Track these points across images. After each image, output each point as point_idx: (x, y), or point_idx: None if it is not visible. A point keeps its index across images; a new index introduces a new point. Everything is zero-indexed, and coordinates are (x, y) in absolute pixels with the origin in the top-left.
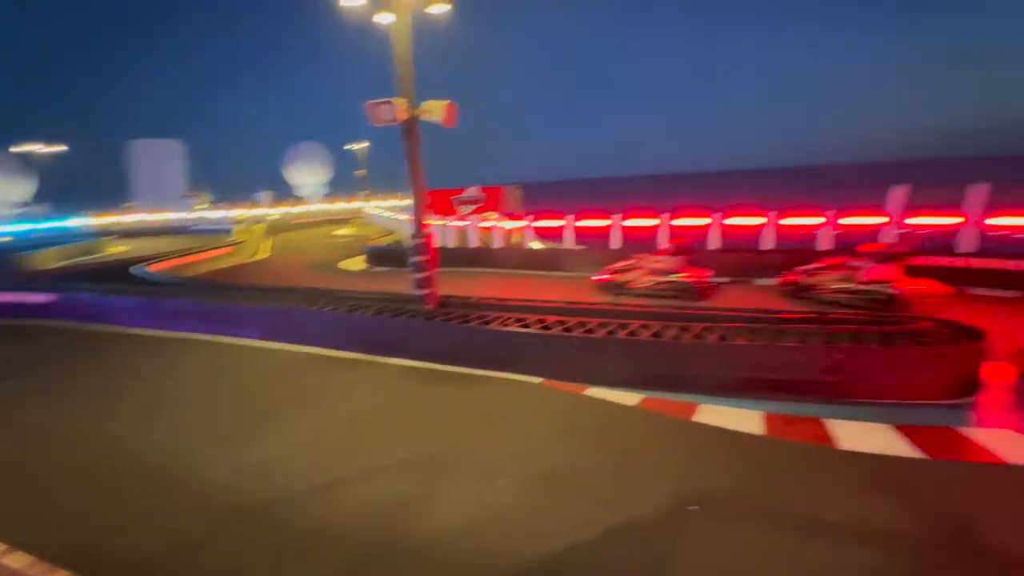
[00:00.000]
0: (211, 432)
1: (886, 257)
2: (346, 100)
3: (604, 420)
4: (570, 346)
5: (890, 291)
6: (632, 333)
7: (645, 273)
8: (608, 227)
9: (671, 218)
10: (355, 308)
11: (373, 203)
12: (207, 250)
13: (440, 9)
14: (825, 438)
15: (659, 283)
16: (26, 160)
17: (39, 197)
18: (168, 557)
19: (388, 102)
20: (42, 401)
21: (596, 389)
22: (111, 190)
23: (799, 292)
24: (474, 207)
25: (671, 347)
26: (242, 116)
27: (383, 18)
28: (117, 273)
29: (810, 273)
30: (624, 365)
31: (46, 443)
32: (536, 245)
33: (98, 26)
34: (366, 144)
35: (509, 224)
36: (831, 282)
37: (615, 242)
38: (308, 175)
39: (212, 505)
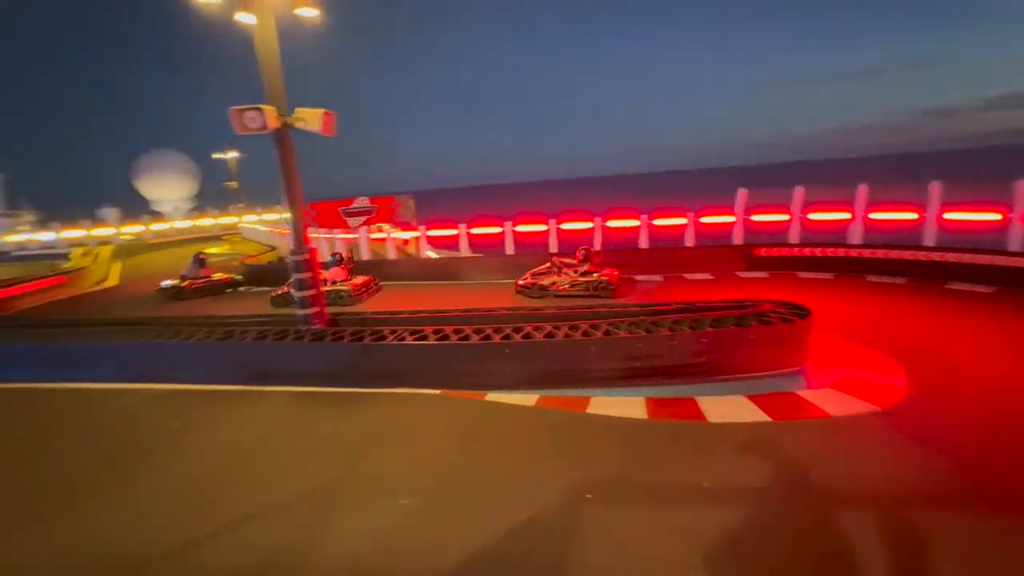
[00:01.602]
0: (40, 498)
1: (587, 258)
2: (212, 105)
3: (503, 423)
4: (467, 354)
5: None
6: (527, 336)
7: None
8: (501, 234)
9: (558, 223)
10: (230, 335)
11: (249, 217)
12: (35, 279)
13: (308, 13)
14: (697, 414)
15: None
16: None
17: None
18: None
19: (256, 108)
20: None
21: (495, 394)
22: None
23: (539, 292)
24: (364, 218)
25: (563, 345)
26: (80, 125)
27: (244, 18)
28: None
29: (536, 275)
30: (521, 367)
31: None
32: (431, 255)
33: None
34: (235, 154)
35: (402, 235)
36: (563, 281)
37: (509, 248)
38: (167, 188)
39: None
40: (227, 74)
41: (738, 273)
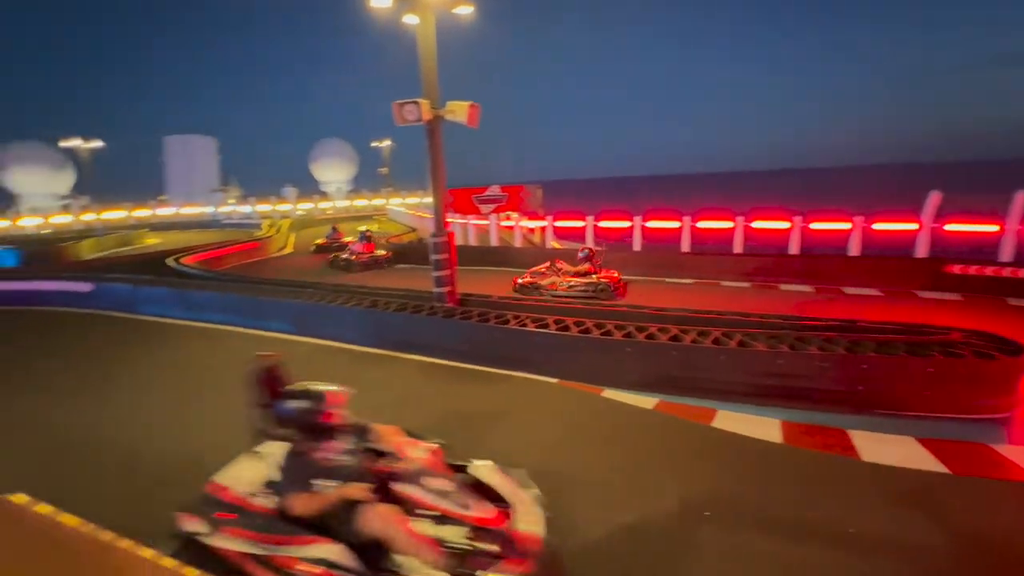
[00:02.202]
0: (231, 421)
1: (587, 259)
2: (371, 98)
3: (619, 421)
4: (588, 347)
5: (605, 282)
6: (651, 336)
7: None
8: (630, 228)
9: (694, 220)
10: (376, 304)
11: (395, 200)
12: (236, 244)
13: (464, 10)
14: (847, 449)
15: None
16: (70, 155)
17: (77, 189)
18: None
19: (414, 102)
20: (67, 389)
21: (612, 391)
22: (147, 184)
23: (535, 292)
24: (495, 206)
25: (690, 351)
26: (271, 113)
27: (409, 19)
28: (152, 265)
29: (535, 275)
30: (641, 367)
31: (70, 436)
32: (555, 245)
33: (136, 28)
34: (389, 142)
35: (529, 223)
36: (561, 282)
37: (637, 244)
38: (333, 171)
39: None
40: (368, 72)
41: (917, 292)
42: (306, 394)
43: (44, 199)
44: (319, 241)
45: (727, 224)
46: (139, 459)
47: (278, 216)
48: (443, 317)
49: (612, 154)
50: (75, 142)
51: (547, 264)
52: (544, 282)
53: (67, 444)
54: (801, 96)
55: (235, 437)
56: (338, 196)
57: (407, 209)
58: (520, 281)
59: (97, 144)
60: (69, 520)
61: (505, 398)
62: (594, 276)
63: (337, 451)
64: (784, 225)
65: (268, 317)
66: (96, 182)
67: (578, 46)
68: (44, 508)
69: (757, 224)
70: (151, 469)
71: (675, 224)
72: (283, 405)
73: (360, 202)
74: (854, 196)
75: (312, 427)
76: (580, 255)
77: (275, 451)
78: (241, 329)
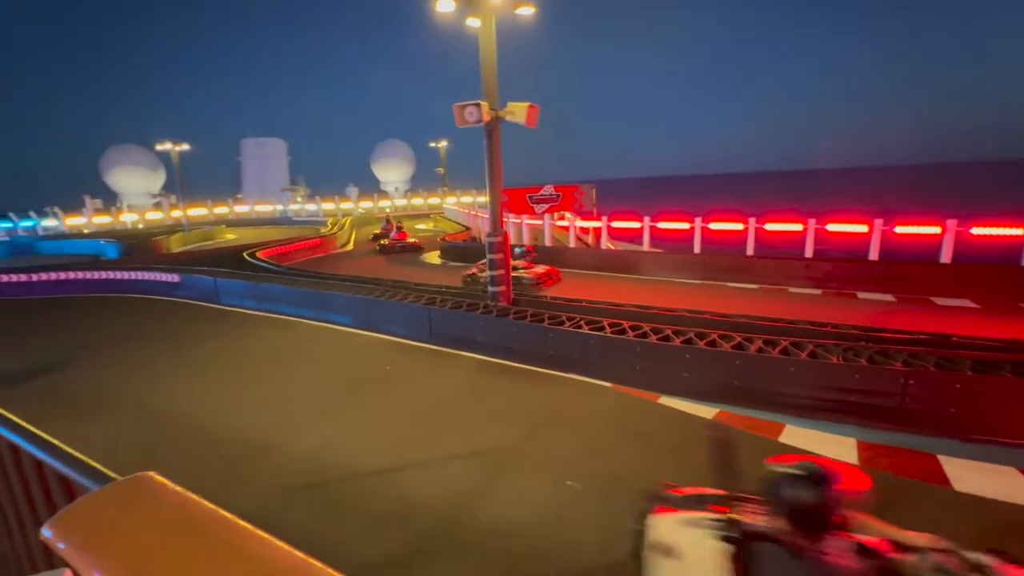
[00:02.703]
0: (297, 405)
1: (523, 255)
2: (427, 100)
3: (678, 431)
4: (644, 352)
5: (531, 276)
6: (711, 343)
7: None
8: (690, 230)
9: (759, 222)
10: (432, 302)
11: (451, 199)
12: (303, 240)
13: (526, 11)
14: (936, 476)
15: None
16: (161, 157)
17: (166, 188)
18: (262, 513)
19: (475, 104)
20: (158, 371)
21: (669, 399)
22: (227, 183)
23: (473, 284)
24: (548, 205)
25: (756, 361)
26: (336, 116)
27: (471, 22)
28: (231, 258)
29: (480, 268)
30: (700, 375)
31: (163, 412)
32: (610, 246)
33: (222, 45)
34: (445, 143)
35: (584, 223)
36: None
37: (697, 246)
38: (393, 171)
39: (301, 473)
40: (425, 75)
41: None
42: (810, 478)
43: (140, 197)
44: (376, 231)
45: (795, 227)
46: (222, 435)
47: (341, 214)
48: (497, 316)
49: (671, 152)
50: (166, 145)
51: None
52: (483, 275)
53: (160, 419)
54: (878, 81)
55: (300, 419)
56: (397, 195)
57: (461, 208)
58: (465, 273)
59: (184, 147)
60: (196, 498)
61: (560, 400)
62: (521, 270)
63: (843, 553)
64: (860, 228)
65: (331, 310)
66: (182, 181)
67: (629, 45)
68: (174, 486)
69: (831, 227)
70: (233, 445)
71: (739, 227)
72: (776, 488)
73: (417, 201)
74: (944, 195)
75: (812, 521)
76: (517, 251)
77: (695, 550)
78: (307, 320)
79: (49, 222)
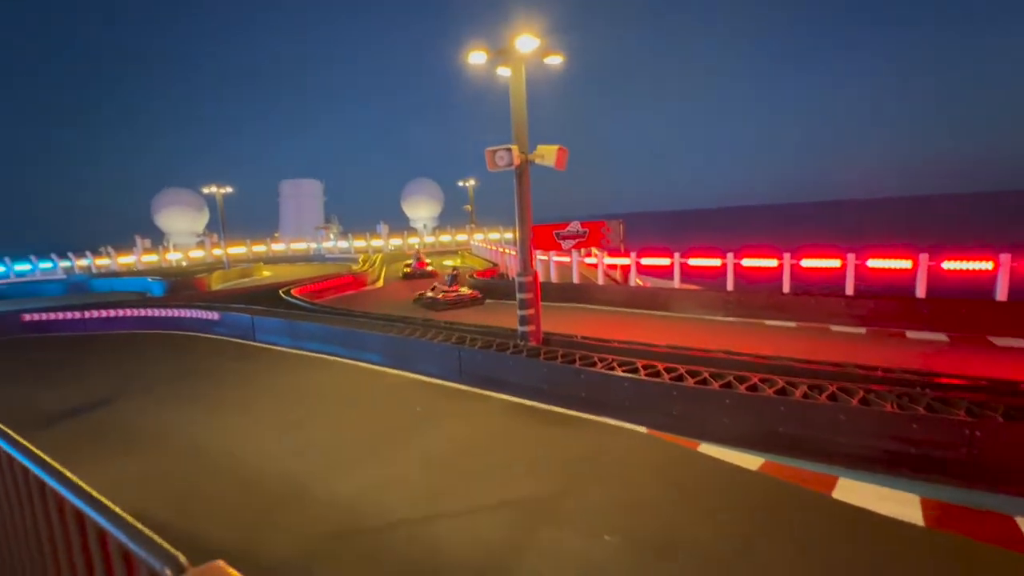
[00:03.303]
0: (331, 447)
1: (453, 280)
2: (457, 140)
3: (721, 482)
4: (681, 396)
5: (467, 295)
6: (752, 387)
7: (439, 292)
8: (722, 267)
9: (795, 259)
10: (463, 341)
11: (478, 235)
12: (336, 277)
13: (554, 60)
14: (1015, 542)
15: (448, 294)
16: (206, 199)
17: (209, 227)
18: (293, 564)
19: (506, 149)
20: (198, 408)
21: (709, 446)
22: (265, 222)
23: (430, 304)
24: (575, 242)
25: (802, 407)
26: (369, 154)
27: (502, 71)
28: (267, 296)
29: (434, 291)
30: (743, 422)
31: (200, 449)
32: (639, 282)
33: (261, 94)
34: (473, 182)
35: (612, 260)
36: (439, 294)
37: (730, 283)
38: (422, 208)
39: (332, 522)
40: (453, 117)
41: None
42: (454, 274)
43: (185, 236)
44: (406, 269)
45: (833, 263)
46: (258, 476)
47: (371, 251)
48: (527, 356)
49: (698, 186)
50: (211, 188)
51: (434, 286)
52: (434, 295)
53: (198, 456)
54: (928, 105)
55: (335, 462)
56: (425, 232)
57: (488, 245)
58: (418, 294)
59: (228, 190)
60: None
61: (593, 445)
62: (454, 293)
63: (450, 289)
64: (904, 264)
65: (363, 349)
66: (224, 221)
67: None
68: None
69: (872, 263)
70: (270, 486)
71: (772, 263)
72: (450, 276)
73: (445, 237)
74: (997, 225)
75: (451, 282)
76: (447, 278)
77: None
78: (340, 359)
79: (102, 260)
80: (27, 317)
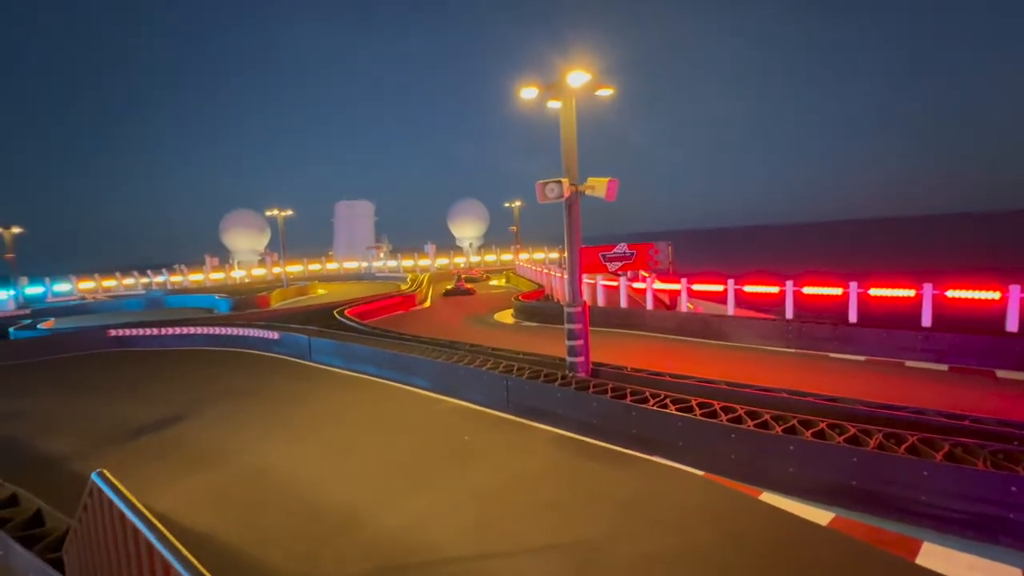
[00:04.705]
0: (383, 476)
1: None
2: (503, 163)
3: (787, 537)
4: (739, 439)
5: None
6: (819, 433)
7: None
8: (780, 294)
9: (862, 288)
10: (510, 370)
11: (523, 255)
12: (385, 297)
13: (604, 93)
14: None
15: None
16: (268, 220)
17: (269, 247)
18: None
19: (556, 181)
20: (259, 427)
21: (773, 495)
22: (320, 240)
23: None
24: (622, 263)
25: (878, 460)
26: (417, 177)
27: (552, 104)
28: (321, 314)
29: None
30: (809, 472)
31: (261, 470)
32: (690, 307)
33: (322, 123)
34: (519, 203)
35: (660, 286)
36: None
37: (789, 311)
38: (468, 228)
39: (382, 554)
40: (499, 139)
41: None
42: (461, 277)
43: (248, 255)
44: (449, 288)
45: (906, 292)
46: (315, 502)
47: (419, 270)
48: (576, 389)
49: (735, 202)
50: (274, 211)
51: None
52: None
53: (258, 478)
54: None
55: (386, 490)
56: (471, 251)
57: (532, 265)
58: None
59: (288, 212)
60: None
61: (646, 488)
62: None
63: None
64: (991, 295)
65: (412, 373)
66: (284, 242)
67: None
68: None
69: (953, 294)
70: (326, 514)
71: (837, 291)
72: (458, 278)
73: (490, 257)
74: None
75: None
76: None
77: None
78: (391, 383)
79: (175, 277)
80: (112, 332)
